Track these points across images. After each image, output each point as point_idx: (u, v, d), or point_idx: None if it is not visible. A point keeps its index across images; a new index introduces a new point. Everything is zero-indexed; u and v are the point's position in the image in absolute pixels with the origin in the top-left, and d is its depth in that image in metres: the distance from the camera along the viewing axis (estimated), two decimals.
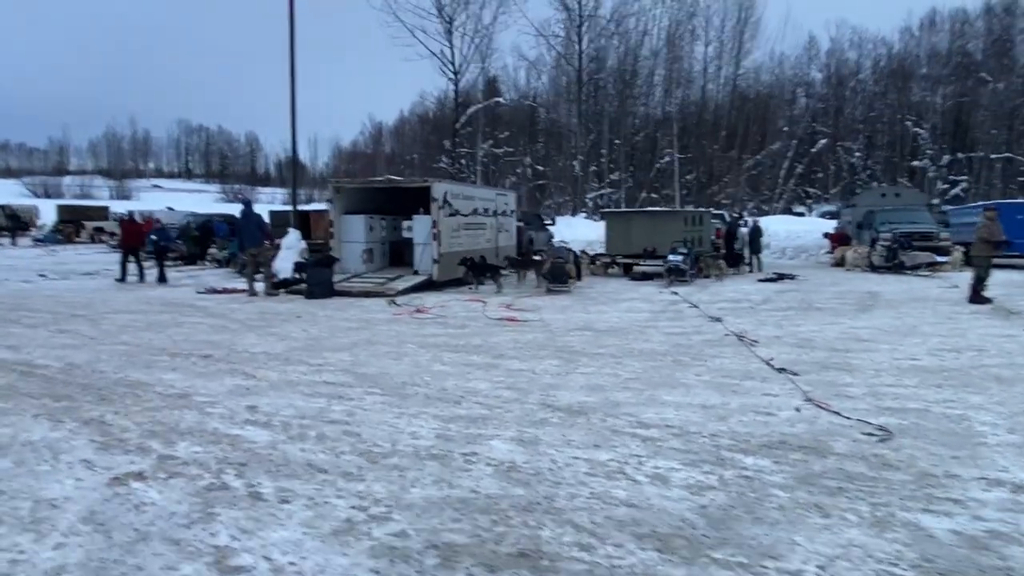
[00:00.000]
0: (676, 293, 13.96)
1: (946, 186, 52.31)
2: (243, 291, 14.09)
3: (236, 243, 20.96)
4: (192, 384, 6.38)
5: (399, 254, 17.11)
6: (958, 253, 19.92)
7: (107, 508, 3.65)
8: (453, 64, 44.87)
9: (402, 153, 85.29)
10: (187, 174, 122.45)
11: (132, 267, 16.39)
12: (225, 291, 14.14)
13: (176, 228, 26.88)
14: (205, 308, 11.73)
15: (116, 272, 16.72)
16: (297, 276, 15.24)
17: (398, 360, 7.44)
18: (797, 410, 5.45)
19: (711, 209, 23.44)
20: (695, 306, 11.88)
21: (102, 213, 41.53)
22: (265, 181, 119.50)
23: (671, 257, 15.88)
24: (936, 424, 5.06)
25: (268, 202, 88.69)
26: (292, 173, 19.61)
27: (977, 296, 12.23)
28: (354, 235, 15.51)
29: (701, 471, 4.16)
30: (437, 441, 4.74)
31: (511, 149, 50.67)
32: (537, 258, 15.70)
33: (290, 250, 17.46)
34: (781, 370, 6.84)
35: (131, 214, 21.34)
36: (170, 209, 35.23)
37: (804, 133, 53.25)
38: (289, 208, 22.95)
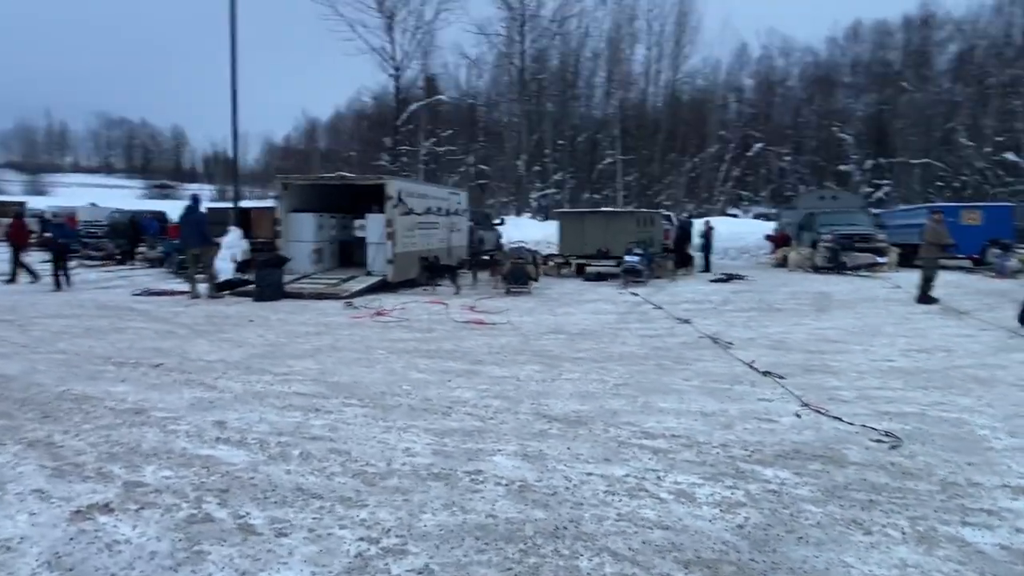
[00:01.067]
0: (636, 294, 13.90)
1: (870, 190, 54.45)
2: (184, 293, 13.26)
3: (168, 243, 19.92)
4: (146, 397, 5.80)
5: (348, 254, 16.52)
6: (895, 254, 20.72)
7: (73, 549, 3.16)
8: (394, 60, 44.03)
9: (338, 150, 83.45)
10: (107, 169, 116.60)
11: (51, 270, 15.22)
12: (164, 293, 13.27)
13: (104, 225, 25.37)
14: (146, 312, 10.92)
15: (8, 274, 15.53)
16: (241, 277, 14.49)
17: (370, 368, 7.01)
18: (798, 416, 5.33)
19: (661, 210, 23.63)
20: (659, 307, 11.81)
21: (16, 209, 38.83)
22: (192, 177, 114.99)
23: (628, 258, 15.84)
24: (938, 428, 5.02)
25: None
26: (233, 169, 18.72)
27: (925, 297, 12.61)
28: (303, 234, 14.84)
29: (724, 486, 3.95)
30: (435, 458, 4.38)
31: (453, 148, 50.11)
32: (496, 259, 15.38)
33: (231, 249, 16.63)
34: (766, 373, 6.76)
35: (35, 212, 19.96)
36: (93, 205, 33.23)
37: (738, 137, 54.68)
38: (227, 205, 21.89)
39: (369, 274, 14.41)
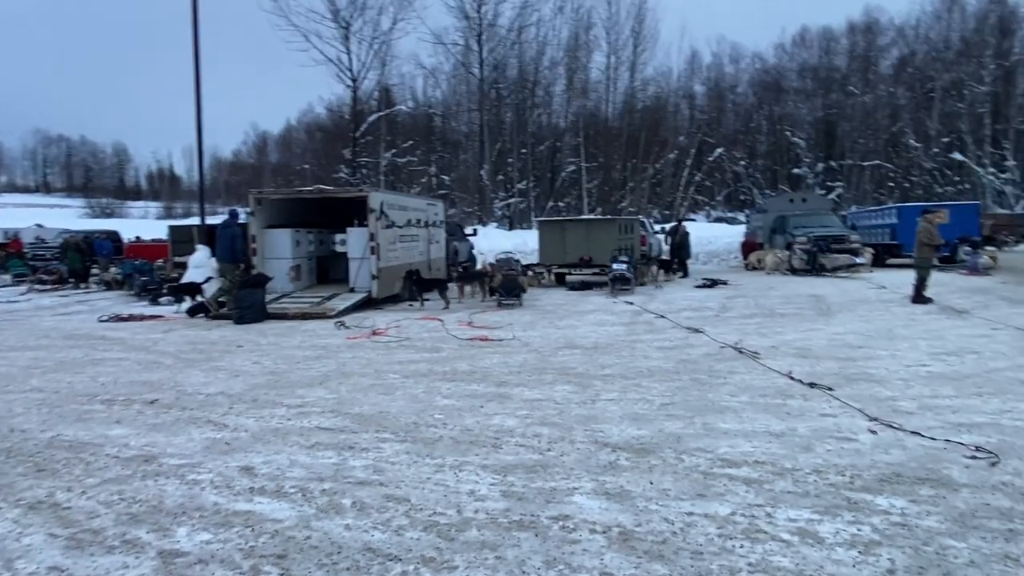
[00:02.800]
0: (631, 303, 13.57)
1: (823, 191, 55.69)
2: (155, 317, 12.42)
3: (129, 264, 18.86)
4: (151, 441, 5.14)
5: (323, 270, 15.81)
6: (870, 254, 20.95)
7: None
8: (351, 71, 43.23)
9: (291, 164, 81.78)
10: (45, 188, 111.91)
11: None
12: (134, 318, 12.37)
13: (53, 247, 23.98)
14: (120, 340, 10.08)
15: None
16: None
17: (389, 395, 6.45)
18: (873, 432, 4.99)
19: (640, 217, 23.50)
20: (661, 316, 11.49)
21: None
22: (136, 195, 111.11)
23: (615, 266, 15.52)
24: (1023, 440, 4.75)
25: (141, 217, 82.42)
26: (199, 185, 17.77)
27: (920, 296, 12.60)
28: (279, 251, 14.09)
29: (845, 521, 3.55)
30: (509, 502, 3.88)
31: (413, 158, 49.41)
32: (486, 271, 14.88)
33: (199, 269, 15.77)
34: (812, 385, 6.44)
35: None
36: (39, 226, 31.51)
37: (695, 143, 55.40)
38: (189, 222, 20.88)
39: (352, 291, 13.75)
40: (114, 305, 15.17)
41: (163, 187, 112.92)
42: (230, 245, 12.98)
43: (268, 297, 12.59)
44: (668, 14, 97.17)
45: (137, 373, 7.64)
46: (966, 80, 51.09)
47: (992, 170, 48.80)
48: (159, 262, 18.62)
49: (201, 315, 12.40)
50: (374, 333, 10.09)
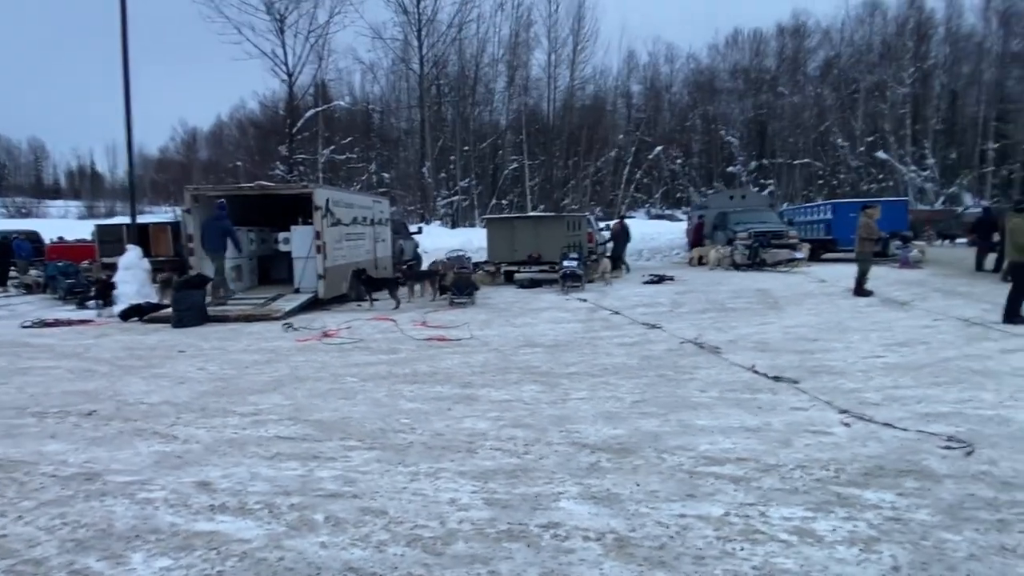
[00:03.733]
0: (584, 300, 13.52)
1: (756, 189, 57.36)
2: (84, 322, 11.66)
3: (52, 266, 17.75)
4: (93, 456, 4.72)
5: (264, 270, 15.23)
6: (807, 249, 21.58)
7: None
8: (287, 65, 42.08)
9: (222, 160, 79.14)
10: None
11: None
12: (61, 323, 11.57)
13: None
14: (48, 347, 9.38)
15: None
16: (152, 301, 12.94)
17: (350, 399, 6.15)
18: (847, 425, 5.01)
19: (587, 214, 23.54)
20: (617, 313, 11.47)
21: None
22: (55, 194, 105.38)
23: (566, 263, 15.47)
24: (991, 429, 4.83)
25: (61, 217, 78.16)
26: (130, 182, 16.78)
27: (862, 289, 12.98)
28: None
29: (839, 517, 3.50)
30: (494, 511, 3.68)
31: (352, 155, 48.44)
32: (437, 270, 14.58)
33: (130, 271, 14.92)
34: (776, 378, 6.47)
35: None
36: None
37: (634, 141, 56.19)
38: (119, 221, 19.80)
39: (297, 291, 13.26)
40: (37, 310, 14.22)
41: (84, 185, 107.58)
42: (221, 236, 12.71)
43: (208, 299, 11.98)
44: (607, 14, 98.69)
45: (70, 382, 7.09)
46: (888, 82, 53.43)
47: (913, 168, 51.23)
48: (85, 263, 17.55)
49: (135, 318, 11.71)
50: (325, 335, 9.70)
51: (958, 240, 32.13)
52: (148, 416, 5.73)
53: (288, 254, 13.83)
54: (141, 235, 16.91)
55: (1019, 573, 2.91)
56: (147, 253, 16.12)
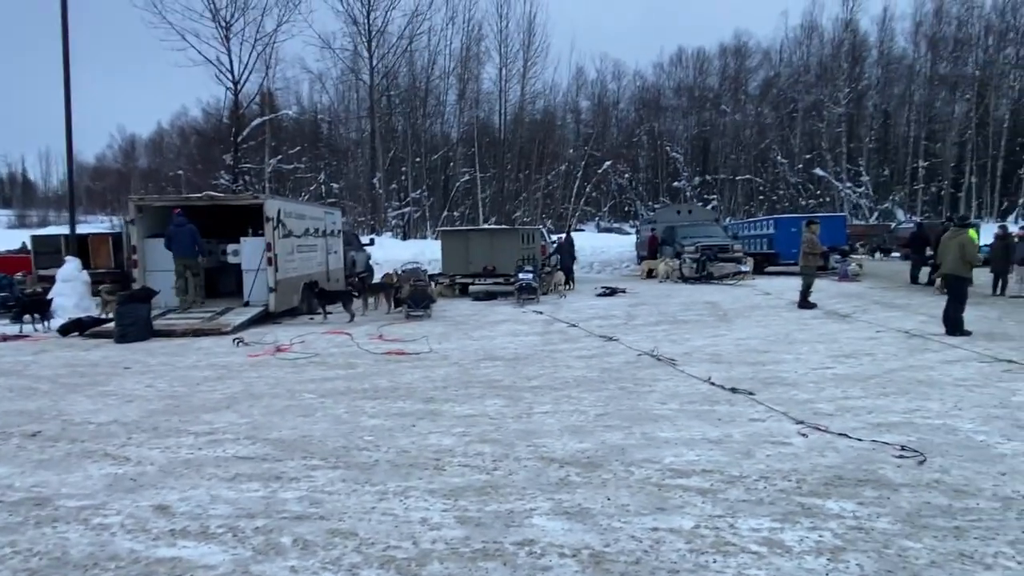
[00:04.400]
0: (540, 312, 13.58)
1: (701, 203, 58.85)
2: (20, 337, 11.12)
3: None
4: (41, 480, 4.49)
5: (211, 283, 14.80)
6: (752, 262, 22.20)
7: None
8: (232, 73, 41.13)
9: (163, 168, 76.89)
10: None
11: None
12: None
13: None
14: None
15: None
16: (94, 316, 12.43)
17: (309, 416, 6.01)
18: (804, 435, 5.15)
19: (540, 227, 23.70)
20: (574, 325, 11.56)
21: None
22: None
23: (521, 275, 15.53)
24: (940, 438, 5.04)
25: None
26: (69, 191, 16.10)
27: (805, 302, 13.41)
28: (164, 262, 12.99)
29: (805, 528, 3.59)
30: (467, 529, 3.65)
31: (300, 165, 47.66)
32: (392, 282, 14.40)
33: (68, 283, 14.34)
34: (733, 390, 6.61)
35: None
36: None
37: (583, 156, 56.95)
38: (57, 231, 18.95)
39: (247, 304, 12.91)
40: None
41: (15, 194, 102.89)
42: (191, 241, 12.63)
43: (153, 312, 11.57)
44: (557, 30, 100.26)
45: (10, 401, 6.73)
46: (824, 101, 55.65)
47: (849, 184, 53.36)
48: (19, 275, 16.72)
49: (75, 333, 11.22)
50: (278, 350, 9.48)
51: (893, 254, 33.60)
52: (97, 436, 5.48)
53: (237, 266, 13.48)
54: (80, 246, 16.26)
55: None
56: (86, 265, 15.51)
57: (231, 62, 39.97)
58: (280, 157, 45.60)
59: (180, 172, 64.77)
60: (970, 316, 11.40)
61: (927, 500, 3.92)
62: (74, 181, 17.72)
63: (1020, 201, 48.28)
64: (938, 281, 9.97)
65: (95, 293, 13.92)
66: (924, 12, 55.10)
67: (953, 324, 9.76)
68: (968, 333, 9.62)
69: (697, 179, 64.07)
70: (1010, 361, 7.75)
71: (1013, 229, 17.37)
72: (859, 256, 23.64)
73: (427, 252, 27.68)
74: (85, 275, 14.70)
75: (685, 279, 21.16)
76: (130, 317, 10.52)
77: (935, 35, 54.50)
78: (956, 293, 9.90)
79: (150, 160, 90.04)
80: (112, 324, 10.89)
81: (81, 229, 19.05)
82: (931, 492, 4.03)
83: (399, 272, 15.14)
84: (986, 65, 51.42)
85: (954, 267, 10.00)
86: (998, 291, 15.14)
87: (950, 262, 10.07)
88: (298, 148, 47.10)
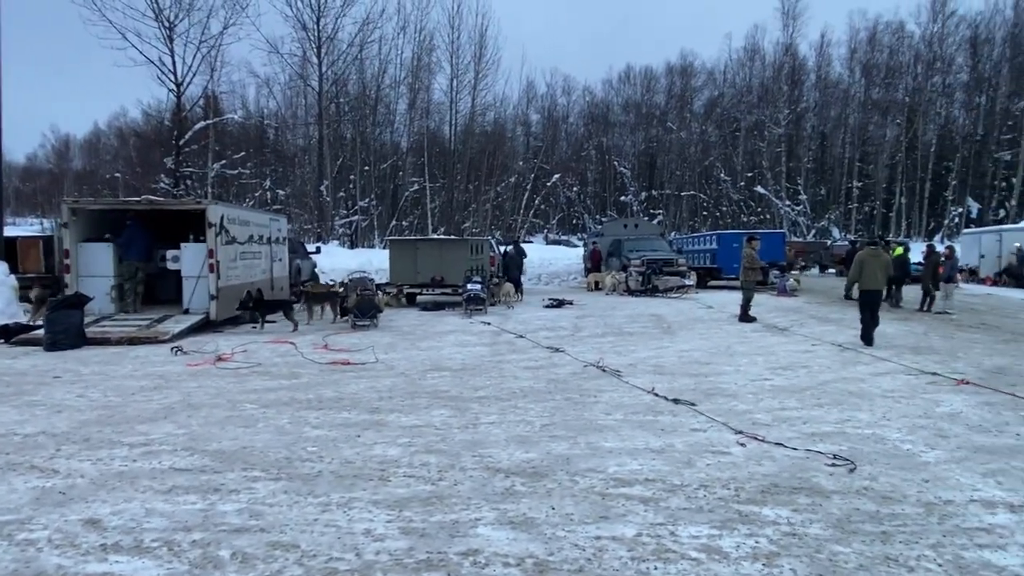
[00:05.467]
0: (488, 323, 13.60)
1: (647, 218, 59.98)
2: None
3: None
4: None
5: (150, 290, 14.32)
6: (695, 276, 22.74)
7: None
8: (175, 74, 40.04)
9: (99, 170, 74.22)
10: None
11: None
12: None
13: None
14: None
15: None
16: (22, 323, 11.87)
17: (250, 427, 5.88)
18: (742, 445, 5.31)
19: (489, 238, 23.74)
20: (521, 336, 11.61)
21: None
22: None
23: (470, 286, 15.53)
24: (869, 447, 5.27)
25: None
26: None
27: (746, 315, 13.82)
28: (98, 267, 12.54)
29: (742, 534, 3.70)
30: (411, 540, 3.63)
31: (245, 170, 46.61)
32: (337, 291, 14.19)
33: None
34: (676, 401, 6.76)
35: None
36: None
37: (532, 168, 57.43)
38: None
39: (187, 312, 12.55)
40: None
41: None
42: (145, 244, 13.05)
43: (86, 320, 11.13)
44: (508, 43, 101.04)
45: None
46: (765, 122, 57.58)
47: (788, 202, 55.21)
48: None
49: (1, 341, 10.69)
50: (219, 359, 9.23)
51: (829, 270, 34.89)
52: (23, 448, 5.24)
53: (177, 273, 13.09)
54: (8, 250, 15.52)
55: None
56: (14, 269, 14.82)
57: (174, 63, 38.92)
58: (224, 162, 44.53)
59: (118, 175, 62.65)
60: (898, 331, 11.99)
61: (856, 507, 4.09)
62: (2, 182, 16.95)
63: (945, 222, 50.81)
64: (855, 292, 10.65)
65: (23, 299, 13.31)
66: (858, 39, 57.85)
67: (866, 335, 10.53)
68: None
69: (644, 194, 65.31)
70: (934, 374, 8.15)
71: (939, 248, 18.27)
72: (797, 272, 24.43)
73: (375, 261, 27.37)
74: (13, 280, 14.05)
75: (631, 292, 21.50)
76: (61, 324, 10.09)
77: (869, 62, 57.14)
78: (873, 306, 10.58)
79: (85, 161, 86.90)
80: (41, 331, 10.42)
81: (9, 232, 18.21)
82: (860, 499, 4.21)
83: (345, 281, 14.91)
84: (915, 92, 54.09)
85: (879, 283, 10.69)
86: (925, 307, 15.89)
87: (879, 279, 10.61)
88: (243, 153, 46.02)
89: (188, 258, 12.74)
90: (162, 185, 43.14)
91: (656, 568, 3.32)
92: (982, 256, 27.64)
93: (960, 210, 50.19)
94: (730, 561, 3.39)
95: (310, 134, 48.98)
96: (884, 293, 10.74)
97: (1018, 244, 26.53)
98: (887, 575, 3.25)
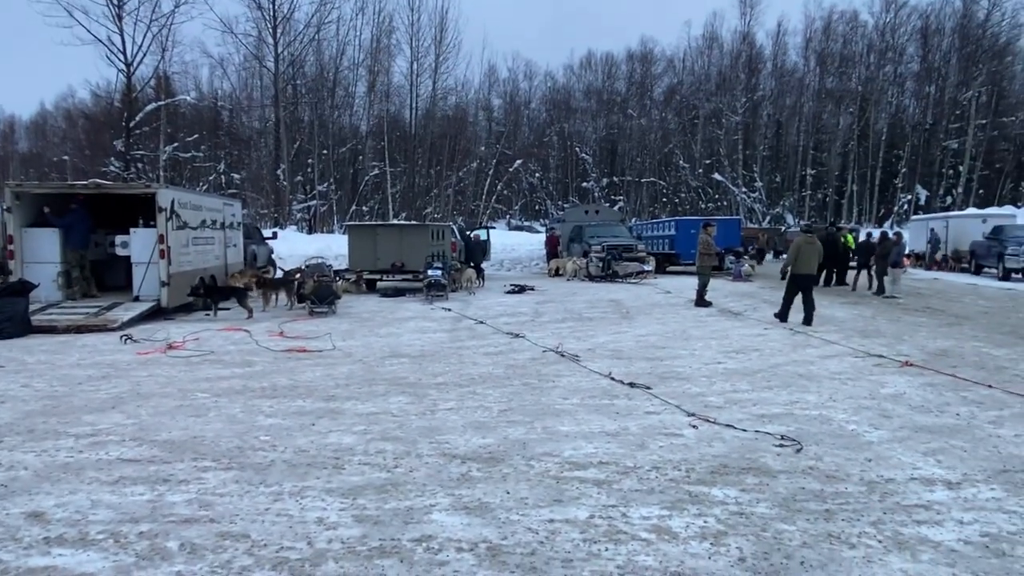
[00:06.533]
0: (449, 309, 13.55)
1: (608, 204, 60.34)
2: None
3: None
4: None
5: (99, 276, 13.89)
6: (654, 262, 23.01)
7: None
8: (124, 54, 38.70)
9: (46, 153, 71.53)
10: None
11: None
12: None
13: None
14: None
15: None
16: None
17: (201, 416, 5.77)
18: (694, 427, 5.41)
19: (450, 224, 23.59)
20: (481, 322, 11.61)
21: None
22: None
23: (431, 272, 15.44)
24: (815, 428, 5.42)
25: None
26: None
27: (701, 300, 14.04)
28: (44, 253, 12.11)
29: (691, 514, 3.78)
30: (364, 527, 3.62)
31: (199, 153, 45.44)
32: (294, 277, 13.95)
33: None
34: (632, 385, 6.85)
35: None
36: None
37: (495, 154, 57.24)
38: None
39: (137, 299, 12.22)
40: None
41: None
42: (85, 230, 12.82)
43: (32, 307, 10.76)
44: (469, 26, 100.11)
45: None
46: (723, 110, 58.31)
47: (744, 190, 56.16)
48: None
49: None
50: (170, 347, 9.02)
51: (782, 256, 35.59)
52: None
53: (126, 259, 12.72)
54: None
55: (844, 557, 3.29)
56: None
57: (123, 42, 37.67)
58: (176, 144, 43.38)
59: (66, 157, 60.48)
60: (847, 314, 12.34)
61: (802, 486, 4.21)
62: None
63: (895, 208, 52.28)
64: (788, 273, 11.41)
65: None
66: (814, 29, 58.81)
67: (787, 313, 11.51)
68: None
69: (605, 180, 65.66)
70: (880, 356, 8.41)
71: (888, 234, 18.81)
72: (751, 258, 24.89)
73: (333, 247, 27.00)
74: None
75: (592, 278, 21.64)
76: (5, 312, 9.73)
77: (823, 51, 58.18)
78: (806, 288, 11.46)
79: (31, 144, 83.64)
80: None
81: None
82: (806, 478, 4.33)
83: (303, 267, 14.67)
84: (867, 81, 55.34)
85: (812, 268, 11.64)
86: (874, 291, 16.41)
87: (812, 264, 11.60)
88: (196, 136, 44.87)
89: (138, 244, 12.38)
90: (112, 168, 41.83)
91: (607, 549, 3.37)
92: (929, 242, 28.54)
93: (909, 197, 51.66)
94: (679, 541, 3.47)
95: (266, 116, 47.97)
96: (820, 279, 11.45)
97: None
98: (829, 552, 3.36)
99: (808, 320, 11.10)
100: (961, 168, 50.18)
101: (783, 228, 44.86)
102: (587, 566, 3.20)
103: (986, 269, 23.33)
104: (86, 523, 3.66)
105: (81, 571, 3.14)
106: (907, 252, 23.22)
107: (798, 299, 11.46)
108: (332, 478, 4.35)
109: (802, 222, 42.69)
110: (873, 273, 17.07)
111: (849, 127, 56.13)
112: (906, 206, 51.31)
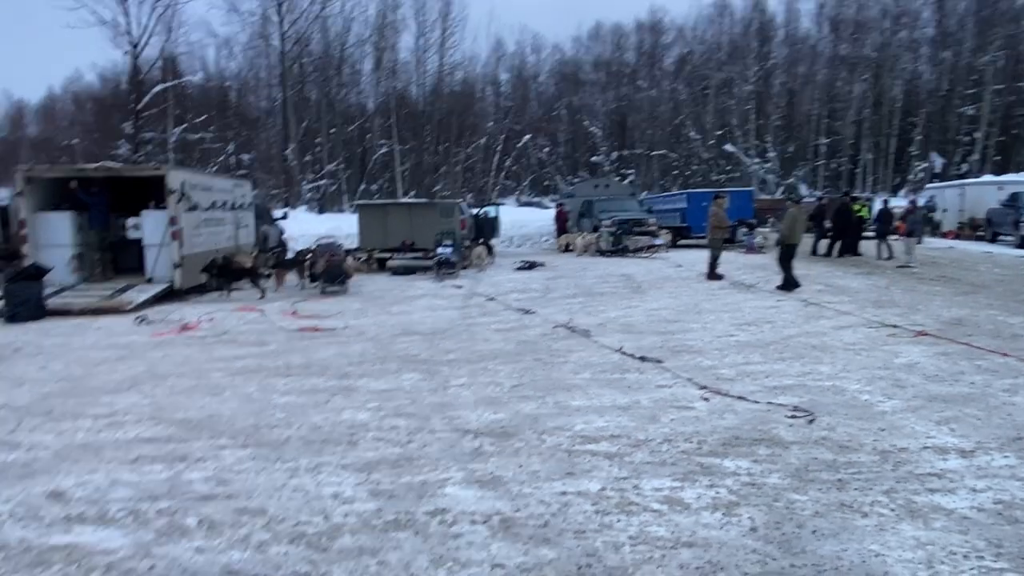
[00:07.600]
0: (460, 287, 13.58)
1: (618, 178, 59.78)
2: None
3: None
4: None
5: (112, 259, 13.99)
6: (667, 236, 22.87)
7: None
8: (131, 35, 38.58)
9: (56, 137, 71.76)
10: None
11: None
12: None
13: None
14: None
15: None
16: None
17: (218, 396, 5.84)
18: (706, 399, 5.42)
19: (459, 201, 23.52)
20: (492, 299, 11.63)
21: None
22: None
23: (440, 250, 15.45)
24: (828, 398, 5.41)
25: None
26: None
27: (713, 273, 13.96)
28: (57, 237, 12.19)
29: (703, 485, 3.80)
30: (379, 502, 3.67)
31: (208, 135, 45.42)
32: (306, 257, 13.99)
33: None
34: (643, 359, 6.85)
35: None
36: None
37: (503, 129, 56.82)
38: None
39: (150, 281, 12.30)
40: None
41: None
42: (105, 214, 13.13)
43: (46, 291, 10.88)
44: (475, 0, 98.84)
45: None
46: (735, 79, 57.46)
47: (757, 160, 55.52)
48: None
49: None
50: (185, 328, 9.11)
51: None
52: None
53: (139, 242, 12.79)
54: None
55: (856, 526, 3.30)
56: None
57: (129, 24, 37.55)
58: (185, 126, 43.38)
59: (75, 141, 60.61)
60: (862, 284, 12.25)
61: (814, 456, 4.21)
62: None
63: (910, 177, 51.56)
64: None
65: None
66: None
67: (786, 283, 11.90)
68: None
69: (615, 154, 65.06)
70: (894, 326, 8.35)
71: (903, 203, 18.61)
72: (765, 229, 24.66)
73: (344, 226, 27.04)
74: None
75: (602, 252, 21.55)
76: (20, 296, 9.85)
77: (837, 16, 57.04)
78: (787, 257, 12.00)
79: (41, 128, 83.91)
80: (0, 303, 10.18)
81: None
82: (818, 448, 4.33)
83: (315, 247, 14.69)
84: (882, 47, 54.26)
85: (789, 236, 12.07)
86: (885, 257, 16.35)
87: (797, 235, 12.16)
88: (204, 117, 44.79)
89: (149, 226, 12.44)
90: (121, 151, 41.98)
91: (619, 520, 3.40)
92: (944, 210, 28.15)
93: (925, 165, 50.90)
94: (691, 512, 3.49)
95: (273, 96, 47.85)
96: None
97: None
98: (842, 521, 3.37)
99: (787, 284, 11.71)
100: (977, 135, 49.30)
101: (797, 199, 44.32)
102: (599, 537, 3.23)
103: (1002, 237, 23.01)
104: (106, 501, 3.73)
105: (102, 548, 3.21)
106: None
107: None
108: (347, 454, 4.40)
109: (792, 194, 42.15)
110: (890, 242, 16.93)
111: (863, 95, 55.15)
112: (921, 174, 50.57)
